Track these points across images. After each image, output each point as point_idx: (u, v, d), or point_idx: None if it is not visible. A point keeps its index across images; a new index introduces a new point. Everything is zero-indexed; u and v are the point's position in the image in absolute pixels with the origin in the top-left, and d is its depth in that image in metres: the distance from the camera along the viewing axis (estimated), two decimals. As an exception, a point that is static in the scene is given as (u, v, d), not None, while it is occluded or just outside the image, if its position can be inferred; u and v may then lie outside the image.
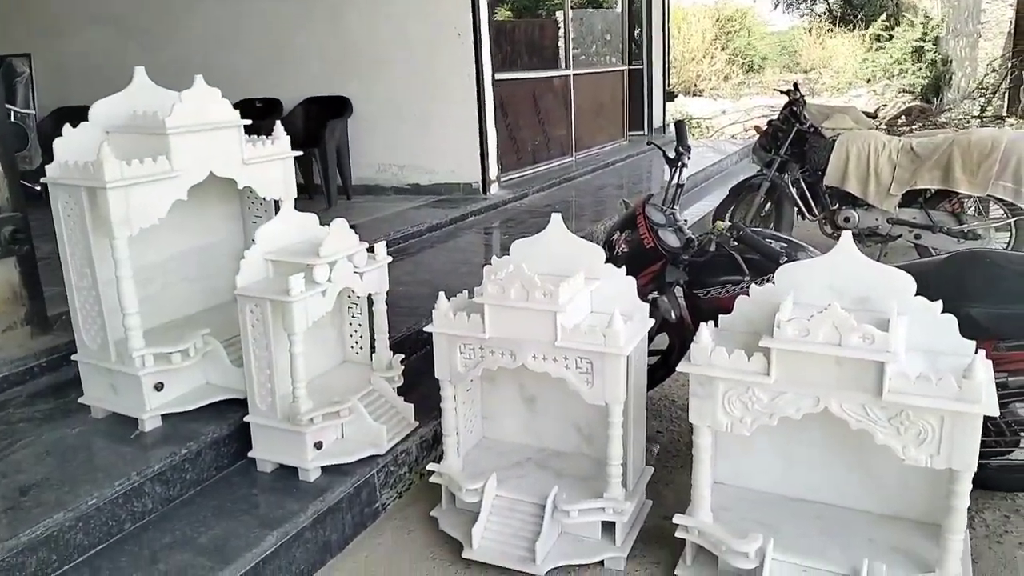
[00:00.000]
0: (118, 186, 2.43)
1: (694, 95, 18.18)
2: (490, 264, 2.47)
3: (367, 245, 2.71)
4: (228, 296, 3.11)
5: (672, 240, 2.81)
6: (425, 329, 2.45)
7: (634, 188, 7.50)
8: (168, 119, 2.56)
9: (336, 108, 6.40)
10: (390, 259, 2.80)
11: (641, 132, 10.59)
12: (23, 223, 3.11)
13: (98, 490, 2.26)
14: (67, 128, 2.64)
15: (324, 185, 6.11)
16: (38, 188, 5.42)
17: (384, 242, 2.80)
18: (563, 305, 2.20)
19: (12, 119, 6.45)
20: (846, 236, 2.08)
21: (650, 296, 2.80)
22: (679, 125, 3.16)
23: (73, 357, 2.77)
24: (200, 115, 2.67)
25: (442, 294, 2.40)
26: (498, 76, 6.56)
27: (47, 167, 2.59)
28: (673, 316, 2.82)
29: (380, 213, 5.89)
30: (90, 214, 2.52)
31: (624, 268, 2.41)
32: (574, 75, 8.49)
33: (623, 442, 2.27)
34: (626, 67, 10.11)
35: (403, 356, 2.90)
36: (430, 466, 2.55)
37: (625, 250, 2.82)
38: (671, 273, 2.76)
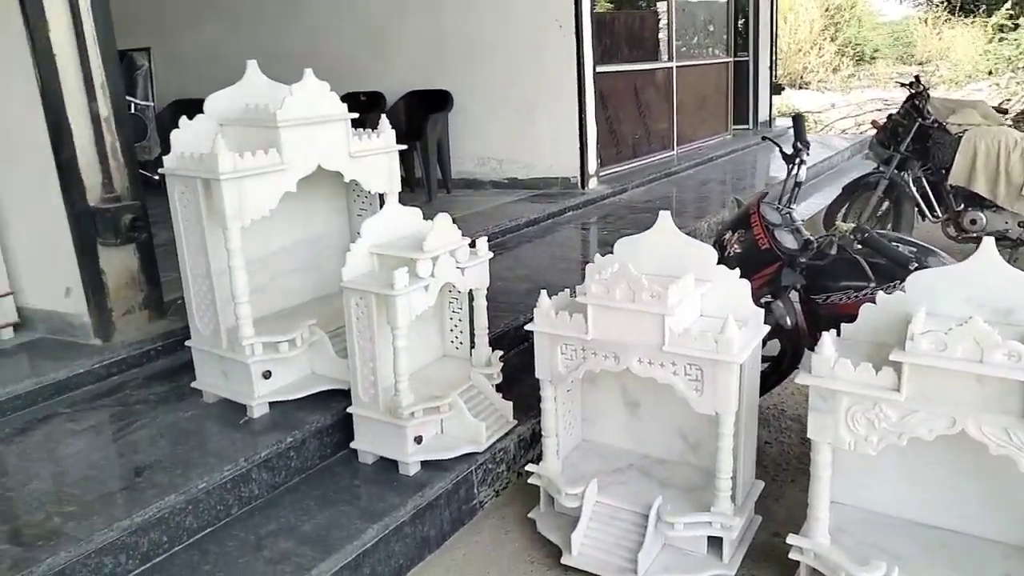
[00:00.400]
0: (231, 178, 2.48)
1: (800, 88, 17.50)
2: (592, 262, 2.40)
3: (469, 240, 2.69)
4: (334, 287, 3.16)
5: (789, 241, 2.67)
6: (526, 327, 2.40)
7: (738, 184, 7.26)
8: (279, 112, 2.60)
9: (438, 102, 6.44)
10: (491, 255, 2.76)
11: (745, 126, 10.26)
12: (142, 211, 3.23)
13: (208, 474, 2.33)
14: (183, 120, 2.72)
15: (425, 179, 6.16)
16: (156, 177, 5.66)
17: (485, 237, 2.77)
18: (672, 308, 2.11)
19: (132, 111, 6.78)
20: (988, 242, 1.91)
21: (763, 300, 2.66)
22: (797, 119, 3.00)
23: (187, 343, 2.86)
24: (310, 108, 2.70)
25: (543, 292, 2.35)
26: (599, 68, 6.45)
27: (164, 158, 2.67)
28: (788, 322, 2.68)
29: (479, 207, 5.90)
30: (205, 205, 2.59)
31: (737, 270, 2.29)
32: (677, 67, 8.28)
33: (733, 454, 2.17)
34: (731, 59, 9.80)
35: (502, 352, 2.87)
36: (529, 467, 2.51)
37: (738, 251, 2.70)
38: (787, 276, 2.62)
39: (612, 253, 2.43)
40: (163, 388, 2.98)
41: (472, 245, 2.71)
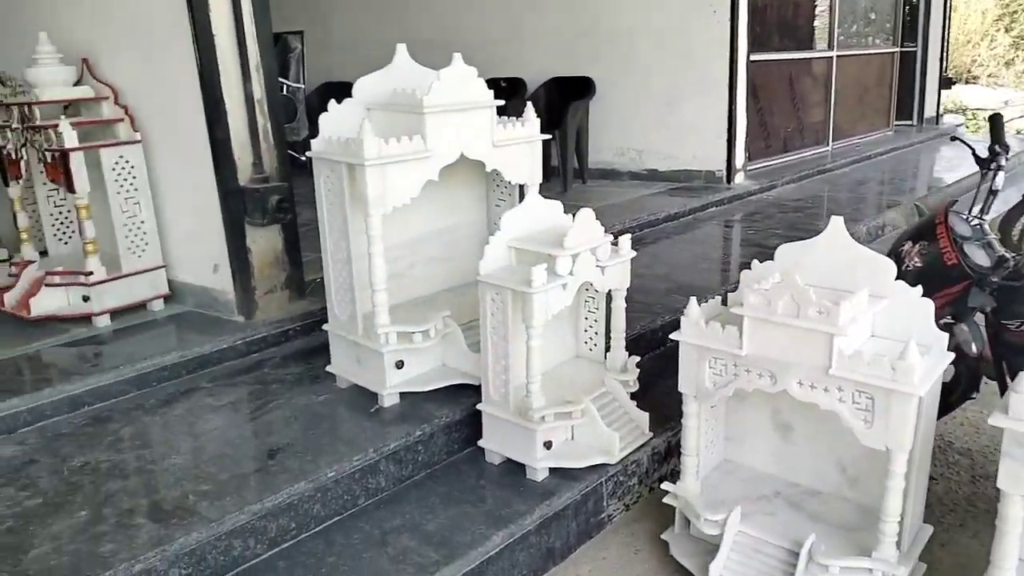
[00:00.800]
0: (375, 164, 2.44)
1: (968, 82, 16.09)
2: (748, 268, 2.20)
3: (611, 238, 2.54)
4: (469, 277, 3.09)
5: (980, 258, 2.36)
6: (671, 336, 2.23)
7: (900, 185, 6.71)
8: (426, 98, 2.54)
9: (579, 89, 6.29)
10: (634, 253, 2.60)
11: (909, 122, 9.49)
12: (288, 193, 3.28)
13: (338, 463, 2.31)
14: (332, 104, 2.71)
15: (561, 168, 6.03)
16: (303, 159, 5.80)
17: (629, 236, 2.61)
18: (843, 327, 1.88)
19: (284, 92, 7.01)
20: None
21: (943, 322, 2.37)
22: (995, 119, 2.65)
23: (324, 327, 2.87)
24: (456, 95, 2.62)
25: (693, 300, 2.16)
26: (753, 57, 6.09)
27: (312, 141, 2.67)
28: (973, 349, 2.37)
29: (616, 199, 5.71)
30: (348, 190, 2.57)
31: (918, 287, 2.03)
32: (837, 56, 7.73)
33: (903, 495, 1.92)
34: (897, 49, 9.07)
35: (638, 358, 2.71)
36: (665, 485, 2.34)
37: (919, 265, 2.40)
38: (975, 297, 2.31)
39: (771, 259, 2.22)
40: (299, 369, 3.02)
41: (614, 242, 2.56)
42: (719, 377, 2.12)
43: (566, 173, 6.01)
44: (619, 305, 2.62)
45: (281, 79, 6.98)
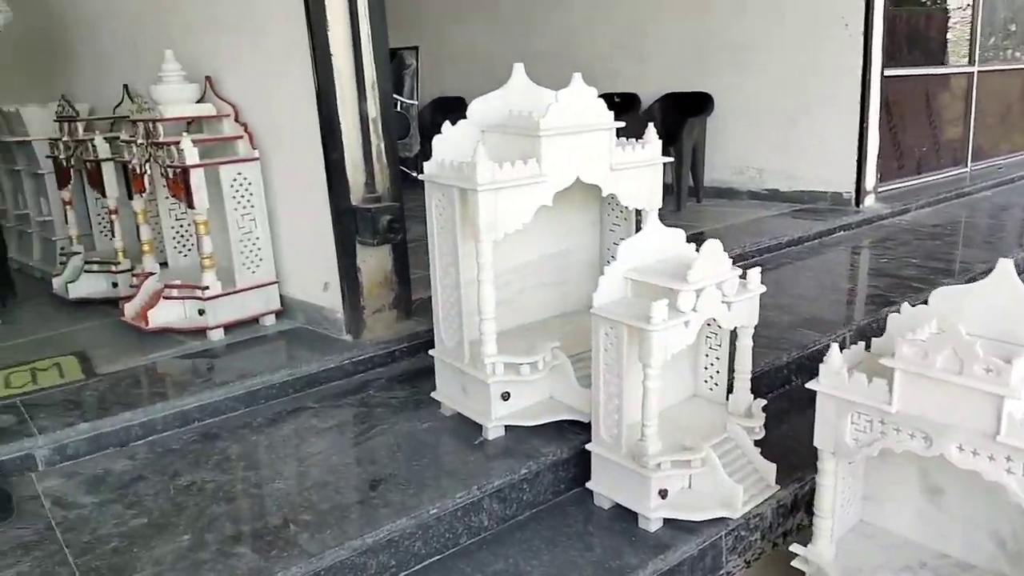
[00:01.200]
0: (488, 189, 2.35)
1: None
2: (884, 302, 1.97)
3: (740, 271, 2.35)
4: (579, 305, 2.97)
5: None
6: (807, 385, 2.02)
7: (1050, 211, 6.14)
8: (543, 120, 2.43)
9: (696, 105, 6.06)
10: (763, 288, 2.40)
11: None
12: (399, 213, 3.24)
13: (440, 499, 2.21)
14: (446, 126, 2.64)
15: (675, 186, 5.81)
16: (414, 174, 5.83)
17: (759, 270, 2.41)
18: (1016, 388, 1.64)
19: (398, 108, 7.10)
20: None
21: None
22: None
23: (430, 352, 2.80)
24: (575, 117, 2.50)
25: (835, 347, 1.95)
26: (887, 72, 5.70)
27: (425, 164, 2.60)
28: None
29: (733, 220, 5.45)
30: (460, 214, 2.48)
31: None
32: (979, 72, 7.18)
33: (1086, 587, 1.65)
34: (1047, 63, 8.37)
35: (764, 402, 2.49)
36: (795, 548, 2.13)
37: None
38: None
39: (908, 291, 1.98)
40: (403, 393, 2.96)
41: (742, 276, 2.37)
42: (862, 434, 1.90)
43: (680, 192, 5.79)
44: (745, 344, 2.42)
45: (395, 96, 7.07)
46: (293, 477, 2.40)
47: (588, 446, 2.39)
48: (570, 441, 2.49)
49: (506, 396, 2.53)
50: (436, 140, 2.59)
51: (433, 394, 2.80)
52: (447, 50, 7.89)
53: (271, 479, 2.40)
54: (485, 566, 2.15)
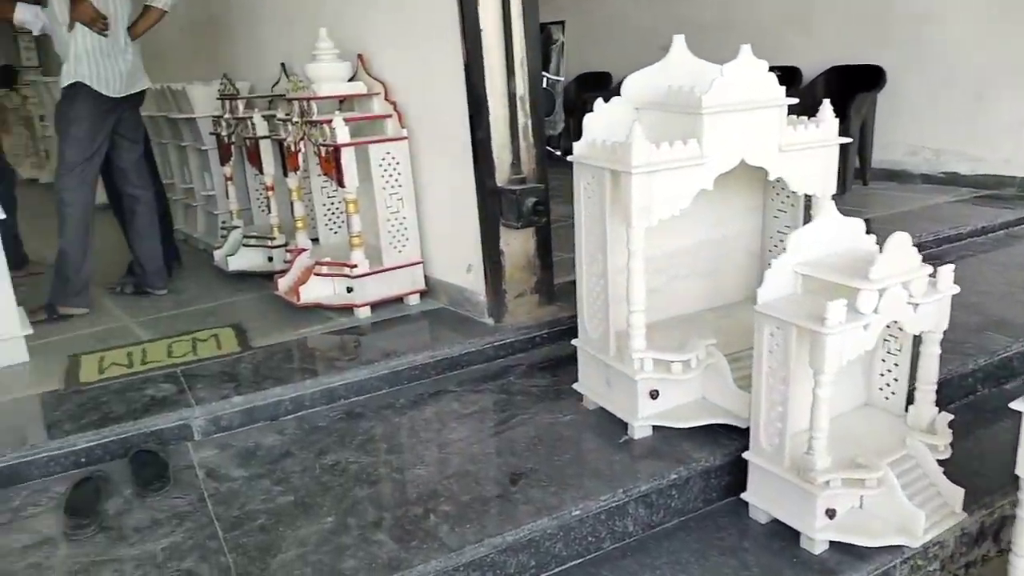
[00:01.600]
0: (643, 172, 2.19)
1: None
2: None
3: (930, 269, 2.07)
4: (736, 297, 2.77)
5: None
6: (1010, 405, 1.74)
7: None
8: (705, 96, 2.23)
9: (866, 79, 5.55)
10: (956, 289, 2.11)
11: None
12: (544, 195, 3.13)
13: (583, 500, 2.10)
14: (598, 104, 2.49)
15: (840, 167, 5.32)
16: (558, 153, 5.71)
17: (951, 267, 2.12)
18: None
19: (544, 85, 6.98)
20: None
21: None
22: None
23: (573, 342, 2.68)
24: (742, 92, 2.29)
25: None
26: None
27: (575, 144, 2.47)
28: None
29: (904, 206, 4.97)
30: (610, 198, 2.34)
31: None
32: None
33: None
34: None
35: (951, 417, 2.21)
36: (988, 589, 1.87)
37: None
38: None
39: None
40: (544, 381, 2.87)
41: (932, 274, 2.09)
42: (1084, 468, 1.61)
43: (846, 173, 5.34)
44: (931, 352, 2.15)
45: (543, 73, 6.96)
46: (434, 464, 2.36)
47: (745, 454, 2.20)
48: (724, 447, 2.31)
49: (655, 394, 2.38)
50: (587, 119, 2.45)
51: (575, 385, 2.69)
52: (593, 22, 7.64)
53: (413, 464, 2.37)
54: (630, 575, 2.03)
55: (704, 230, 2.71)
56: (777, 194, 2.73)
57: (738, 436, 2.30)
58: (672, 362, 2.35)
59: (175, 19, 4.15)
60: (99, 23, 3.55)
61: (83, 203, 3.68)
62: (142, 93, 3.90)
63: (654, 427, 2.41)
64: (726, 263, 2.78)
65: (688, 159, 2.24)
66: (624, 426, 2.44)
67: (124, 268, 4.13)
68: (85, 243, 3.69)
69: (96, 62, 3.60)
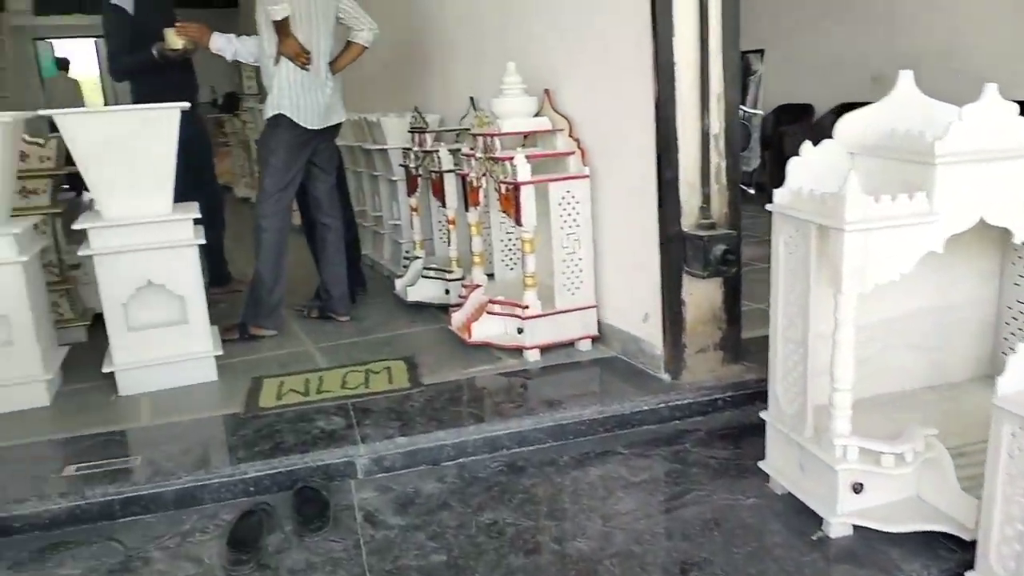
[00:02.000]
0: (858, 229, 1.88)
1: None
2: None
3: None
4: (962, 376, 2.38)
5: None
6: None
7: None
8: (939, 143, 1.90)
9: None
10: None
11: None
12: (736, 243, 2.85)
13: (764, 608, 1.82)
14: (806, 147, 2.21)
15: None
16: (752, 191, 5.32)
17: None
18: None
19: (740, 118, 6.61)
20: None
21: None
22: None
23: (762, 414, 2.38)
24: (984, 139, 1.93)
25: None
26: None
27: (776, 192, 2.19)
28: None
29: None
30: (816, 256, 2.04)
31: None
32: None
33: None
34: None
35: None
36: None
37: None
38: None
39: None
40: (725, 453, 2.58)
41: None
42: None
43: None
44: None
45: (739, 106, 6.59)
46: (596, 537, 2.16)
47: (970, 575, 1.81)
48: (943, 560, 1.93)
49: (858, 488, 2.04)
50: (792, 163, 2.17)
51: (761, 463, 2.38)
52: (795, 51, 7.13)
53: (573, 535, 2.18)
54: None
55: (925, 296, 2.33)
56: (1020, 257, 2.30)
57: (958, 547, 1.92)
58: (883, 453, 2.01)
59: (377, 53, 4.27)
60: (302, 57, 3.71)
61: (278, 229, 3.84)
62: (338, 125, 4.03)
63: (855, 526, 2.06)
64: (951, 335, 2.38)
65: (914, 216, 1.92)
66: (818, 520, 2.11)
67: (313, 292, 4.28)
68: (279, 267, 3.85)
69: (297, 95, 3.75)
